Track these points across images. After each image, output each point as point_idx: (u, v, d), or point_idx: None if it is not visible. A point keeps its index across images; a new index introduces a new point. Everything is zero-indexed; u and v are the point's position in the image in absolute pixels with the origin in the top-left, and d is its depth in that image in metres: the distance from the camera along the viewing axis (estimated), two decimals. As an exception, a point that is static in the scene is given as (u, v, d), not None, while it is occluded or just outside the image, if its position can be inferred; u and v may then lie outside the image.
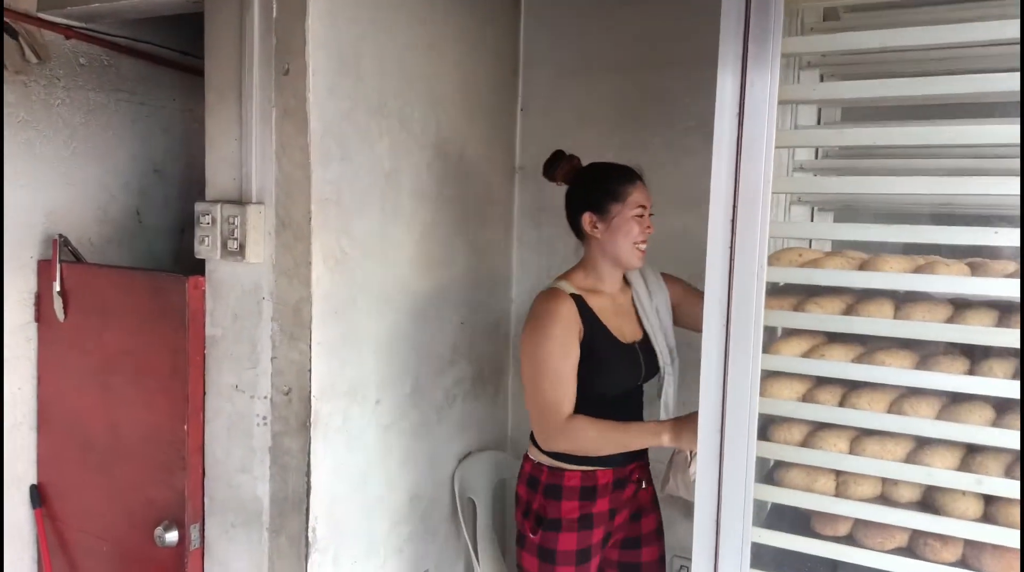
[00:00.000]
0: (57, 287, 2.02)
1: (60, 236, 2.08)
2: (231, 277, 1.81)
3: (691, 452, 1.69)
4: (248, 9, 1.71)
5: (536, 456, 1.80)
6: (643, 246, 1.74)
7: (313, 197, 1.71)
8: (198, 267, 1.86)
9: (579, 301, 1.72)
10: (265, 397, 1.80)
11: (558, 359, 1.67)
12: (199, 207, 1.80)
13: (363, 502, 1.93)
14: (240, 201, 1.77)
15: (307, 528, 1.77)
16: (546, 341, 1.67)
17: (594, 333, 1.72)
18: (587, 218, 1.73)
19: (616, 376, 1.75)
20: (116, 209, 2.31)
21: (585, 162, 1.82)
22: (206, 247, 1.80)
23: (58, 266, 2.02)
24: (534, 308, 1.74)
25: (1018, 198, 1.13)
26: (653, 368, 1.82)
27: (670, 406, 1.82)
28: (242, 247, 1.74)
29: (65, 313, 2.03)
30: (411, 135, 1.99)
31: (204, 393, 1.87)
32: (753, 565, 1.25)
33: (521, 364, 1.74)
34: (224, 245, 1.77)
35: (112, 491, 2.00)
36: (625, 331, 1.78)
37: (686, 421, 1.64)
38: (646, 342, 1.81)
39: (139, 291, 1.91)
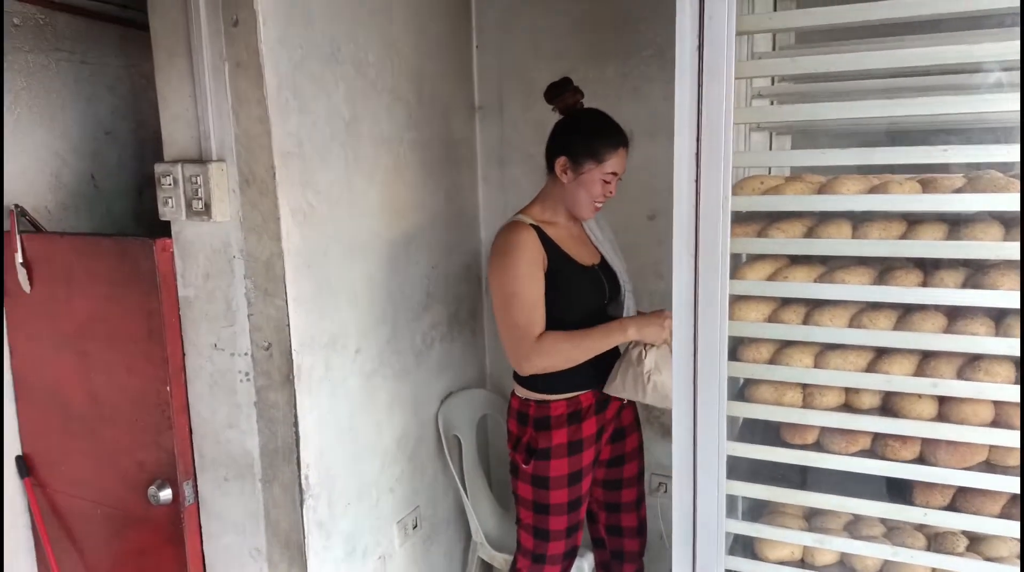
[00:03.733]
0: (20, 258, 1.98)
1: (16, 206, 2.03)
2: (199, 237, 1.80)
3: (644, 349, 1.77)
4: (189, -42, 1.65)
5: (522, 393, 1.88)
6: (599, 205, 1.81)
7: (275, 151, 1.69)
8: (163, 228, 1.84)
9: (539, 231, 1.79)
10: (245, 353, 1.81)
11: (526, 286, 1.74)
12: (159, 168, 1.77)
13: (352, 447, 1.99)
14: (201, 159, 1.74)
15: (300, 476, 1.82)
16: (513, 269, 1.74)
17: (557, 259, 1.79)
18: (561, 161, 1.78)
19: (583, 297, 1.83)
20: (69, 175, 2.25)
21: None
22: (170, 209, 1.78)
23: (18, 237, 1.98)
24: (497, 242, 1.80)
25: (967, 114, 1.18)
26: (615, 289, 1.90)
27: None
28: (207, 206, 1.73)
29: (31, 284, 2.00)
30: (367, 80, 1.96)
31: (184, 353, 1.88)
32: (730, 476, 1.34)
33: (492, 296, 1.80)
34: (189, 205, 1.75)
35: (101, 456, 2.02)
36: (584, 256, 1.86)
37: (647, 316, 1.77)
38: (604, 265, 1.91)
39: (105, 257, 1.89)
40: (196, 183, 1.72)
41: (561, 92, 1.83)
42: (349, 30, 1.89)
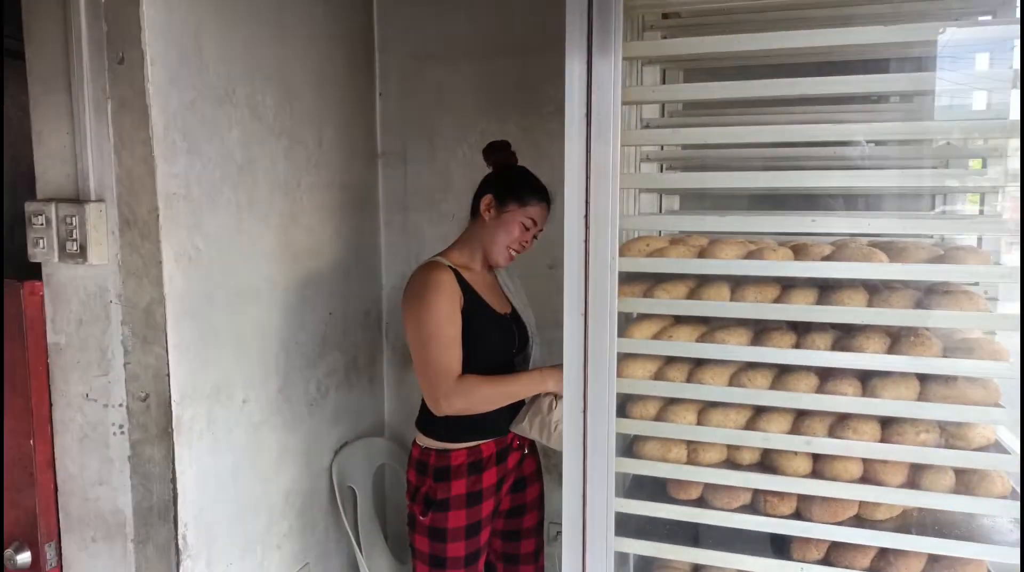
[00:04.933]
0: None
1: None
2: (73, 280, 1.69)
3: (555, 400, 1.79)
4: (71, -7, 1.58)
5: (423, 441, 1.86)
6: (514, 253, 1.86)
7: (159, 193, 1.62)
8: (34, 270, 1.72)
9: (456, 274, 1.81)
10: (120, 405, 1.70)
11: (445, 325, 1.74)
12: (30, 207, 1.66)
13: (236, 503, 1.89)
14: (78, 199, 1.65)
15: (176, 536, 1.71)
16: (433, 308, 1.74)
17: (472, 303, 1.81)
18: (487, 199, 1.83)
19: (496, 343, 1.85)
20: (-70, 208, 2.08)
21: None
22: (42, 250, 1.67)
23: None
24: (415, 280, 1.81)
25: (832, 187, 1.26)
26: (524, 339, 1.93)
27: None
28: (83, 248, 1.63)
29: None
30: (264, 124, 1.92)
31: (51, 404, 1.75)
32: (619, 533, 1.35)
33: (407, 335, 1.80)
34: (62, 247, 1.64)
35: (-50, 517, 1.84)
36: (497, 304, 1.89)
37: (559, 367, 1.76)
38: (515, 315, 1.93)
39: (-35, 299, 1.75)
40: (71, 224, 1.62)
41: (499, 151, 1.91)
42: (246, 72, 1.85)
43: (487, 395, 1.78)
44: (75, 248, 1.63)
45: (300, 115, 2.06)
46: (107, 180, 1.63)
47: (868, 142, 1.39)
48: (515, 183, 1.84)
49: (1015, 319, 1.15)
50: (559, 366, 1.81)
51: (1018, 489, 1.22)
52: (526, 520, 1.98)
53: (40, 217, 1.65)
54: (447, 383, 1.74)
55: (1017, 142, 1.15)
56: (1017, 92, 1.07)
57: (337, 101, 2.24)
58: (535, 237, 1.88)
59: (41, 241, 1.66)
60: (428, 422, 1.84)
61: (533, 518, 2.00)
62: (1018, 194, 1.11)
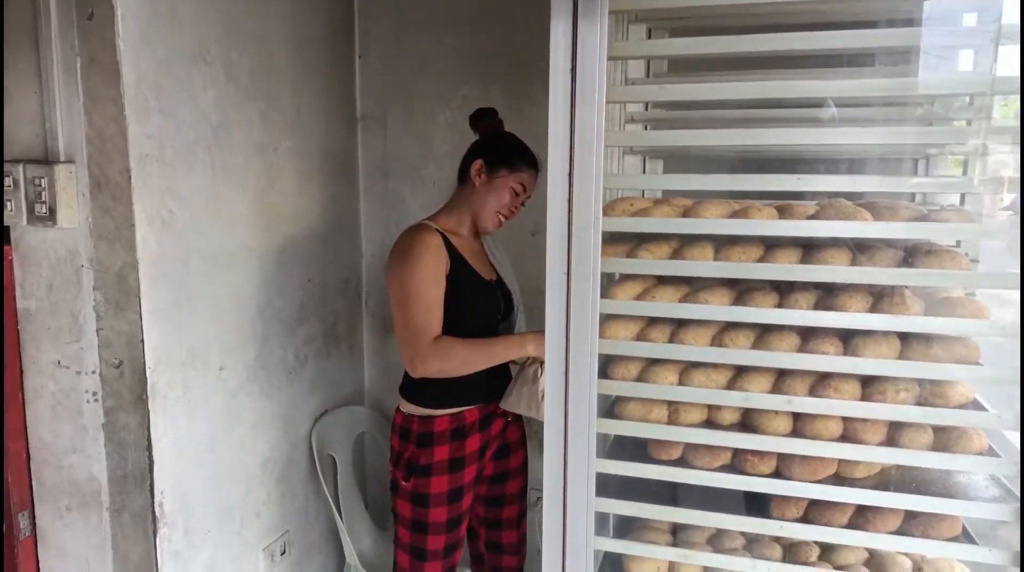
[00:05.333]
0: None
1: None
2: (42, 244, 1.65)
3: (541, 367, 1.78)
4: (37, -57, 1.52)
5: (407, 408, 1.86)
6: (503, 219, 1.85)
7: (131, 154, 1.57)
8: (2, 234, 1.67)
9: (444, 238, 1.80)
10: (93, 372, 1.67)
11: (428, 285, 1.74)
12: (-4, 168, 1.61)
13: (213, 470, 1.87)
14: (47, 160, 1.60)
15: (152, 504, 1.69)
16: (416, 269, 1.74)
17: (458, 268, 1.80)
18: (477, 165, 1.82)
19: (481, 307, 1.85)
20: None
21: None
22: (9, 212, 1.62)
23: None
24: (400, 242, 1.80)
25: (823, 145, 1.25)
26: (508, 306, 1.93)
27: None
28: (52, 211, 1.59)
29: None
30: (239, 85, 1.87)
31: (22, 372, 1.71)
32: (602, 493, 1.35)
33: (391, 295, 1.78)
34: (31, 209, 1.60)
35: (-81, 486, 1.80)
36: (483, 270, 1.89)
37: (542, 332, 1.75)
38: (500, 282, 1.93)
39: (-69, 264, 1.70)
40: (40, 186, 1.58)
41: (487, 118, 1.89)
42: (220, 33, 1.79)
43: (465, 357, 1.77)
44: (44, 210, 1.59)
45: (277, 77, 2.01)
46: (77, 140, 1.59)
47: (854, 104, 1.38)
48: (505, 149, 1.83)
49: (999, 277, 1.16)
50: (541, 331, 1.81)
51: (1015, 490, 1.22)
52: (509, 486, 1.98)
53: (8, 178, 1.60)
54: (424, 344, 1.73)
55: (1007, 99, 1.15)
56: (1015, 48, 1.06)
57: (315, 63, 2.19)
58: (523, 204, 1.86)
59: (9, 203, 1.61)
60: (412, 388, 1.83)
61: (516, 484, 2.00)
62: (1019, 192, 1.11)
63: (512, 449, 1.97)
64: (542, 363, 1.78)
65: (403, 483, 1.83)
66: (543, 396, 1.76)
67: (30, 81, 1.59)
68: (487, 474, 1.94)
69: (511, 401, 1.82)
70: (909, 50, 1.23)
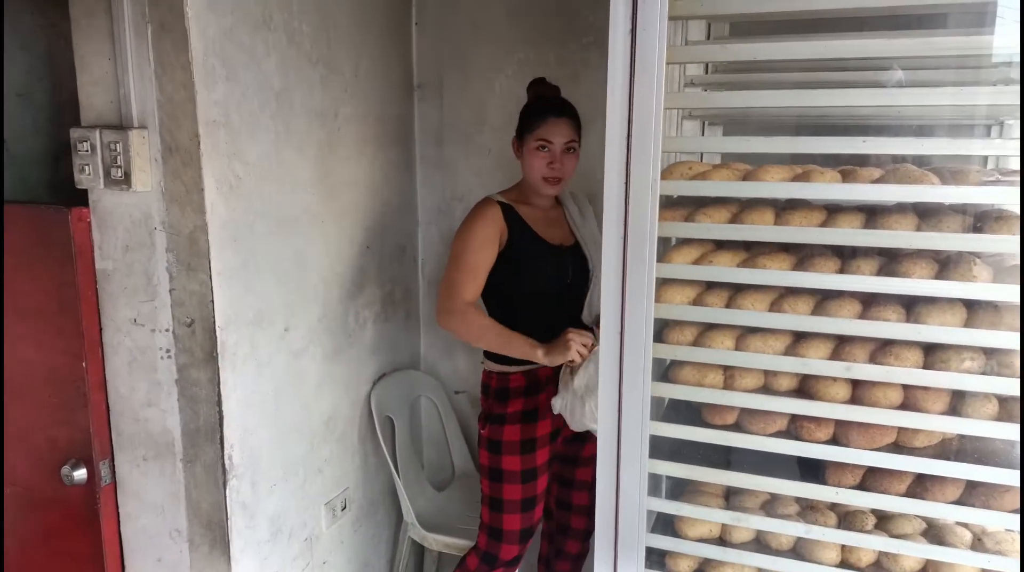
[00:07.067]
0: (-79, 225, 1.86)
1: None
2: (118, 207, 1.72)
3: (569, 369, 1.79)
4: (110, -88, 1.57)
5: (487, 365, 2.00)
6: (550, 179, 1.87)
7: (200, 120, 1.63)
8: (81, 199, 1.75)
9: (507, 208, 1.89)
10: (167, 330, 1.75)
11: (473, 253, 1.86)
12: (75, 134, 1.68)
13: (278, 427, 1.95)
14: (121, 126, 1.66)
15: (223, 456, 1.77)
16: (468, 236, 1.87)
17: (520, 235, 1.89)
18: (513, 141, 1.94)
19: (540, 273, 1.91)
20: (-22, 139, 2.12)
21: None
22: (87, 176, 1.70)
23: (-81, 202, 1.85)
24: (467, 215, 1.92)
25: (887, 109, 1.22)
26: (580, 272, 1.96)
27: (594, 306, 1.96)
28: (127, 175, 1.65)
29: (-66, 253, 1.88)
30: (301, 51, 1.91)
31: (101, 328, 1.80)
32: (654, 456, 1.36)
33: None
34: (107, 173, 1.67)
35: (9, 434, 1.93)
36: (553, 236, 1.94)
37: (554, 342, 1.81)
38: (577, 248, 1.97)
39: (16, 226, 1.79)
40: (115, 150, 1.65)
41: (534, 87, 1.97)
42: (283, -1, 1.83)
43: (479, 328, 1.87)
44: (120, 174, 1.66)
45: (337, 43, 2.04)
46: (149, 106, 1.65)
47: (922, 66, 1.34)
48: (523, 114, 1.91)
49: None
50: (559, 341, 1.80)
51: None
52: (586, 449, 2.01)
53: (85, 143, 1.67)
54: (453, 301, 1.85)
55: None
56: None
57: (373, 30, 2.21)
58: (570, 150, 1.86)
59: (87, 167, 1.68)
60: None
61: (592, 448, 2.02)
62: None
63: (588, 436, 1.97)
64: (572, 367, 1.79)
65: (482, 432, 1.97)
66: (583, 400, 1.74)
67: (105, 46, 1.64)
68: (567, 434, 2.00)
69: (558, 403, 1.84)
70: (985, 9, 1.19)
